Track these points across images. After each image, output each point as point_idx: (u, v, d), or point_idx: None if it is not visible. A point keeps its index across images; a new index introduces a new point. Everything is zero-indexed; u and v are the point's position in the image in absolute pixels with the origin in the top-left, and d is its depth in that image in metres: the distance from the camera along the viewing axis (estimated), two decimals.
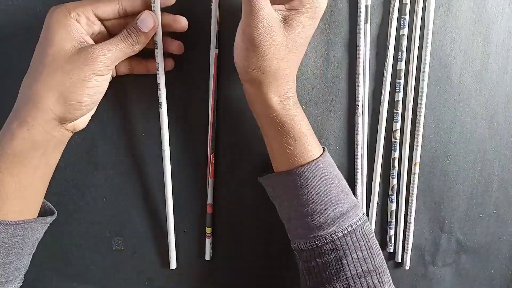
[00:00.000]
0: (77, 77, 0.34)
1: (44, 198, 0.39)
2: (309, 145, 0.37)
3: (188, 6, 0.42)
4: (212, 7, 0.42)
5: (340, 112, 0.46)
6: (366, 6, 0.43)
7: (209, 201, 0.46)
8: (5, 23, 0.41)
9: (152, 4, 0.37)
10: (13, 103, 0.36)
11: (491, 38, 0.46)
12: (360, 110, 0.45)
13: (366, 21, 0.44)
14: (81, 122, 0.38)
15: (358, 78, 0.45)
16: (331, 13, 0.44)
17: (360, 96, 0.45)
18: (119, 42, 0.35)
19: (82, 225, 0.46)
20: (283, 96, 0.36)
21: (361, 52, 0.44)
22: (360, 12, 0.43)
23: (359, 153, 0.47)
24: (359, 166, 0.47)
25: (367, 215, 0.48)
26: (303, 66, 0.45)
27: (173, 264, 0.47)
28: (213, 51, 0.43)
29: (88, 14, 0.35)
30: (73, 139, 0.42)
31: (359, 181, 0.47)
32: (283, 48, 0.35)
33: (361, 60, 0.44)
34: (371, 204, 0.48)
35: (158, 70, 0.40)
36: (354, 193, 0.48)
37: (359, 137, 0.46)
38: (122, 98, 0.44)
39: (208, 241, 0.47)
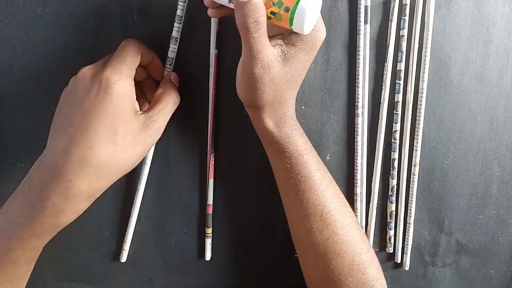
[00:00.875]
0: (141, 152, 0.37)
1: None
2: (305, 163, 0.39)
3: (188, 6, 0.42)
4: None
5: (340, 113, 0.46)
6: (366, 7, 0.43)
7: (209, 201, 0.46)
8: (5, 23, 0.41)
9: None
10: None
11: (491, 39, 0.46)
12: (359, 111, 0.45)
13: (366, 22, 0.44)
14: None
15: (358, 79, 0.45)
16: (331, 14, 0.44)
17: (360, 97, 0.45)
18: (171, 105, 0.39)
19: (82, 225, 0.46)
20: (279, 120, 0.38)
21: (361, 53, 0.44)
22: (360, 13, 0.43)
23: (359, 154, 0.47)
24: (358, 167, 0.47)
25: (367, 216, 0.48)
26: None
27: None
28: (213, 51, 0.43)
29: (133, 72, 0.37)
30: None
31: (358, 181, 0.47)
32: (281, 81, 0.36)
33: (361, 61, 0.44)
34: (370, 205, 0.48)
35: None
36: (354, 193, 0.48)
37: (359, 138, 0.46)
38: None
39: (208, 241, 0.47)
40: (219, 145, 0.46)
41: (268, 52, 0.34)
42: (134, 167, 0.37)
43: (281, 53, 0.35)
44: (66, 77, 0.42)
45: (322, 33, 0.36)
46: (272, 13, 0.33)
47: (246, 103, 0.39)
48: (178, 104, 0.40)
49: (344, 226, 0.39)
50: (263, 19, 0.32)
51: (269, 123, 0.38)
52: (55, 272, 0.47)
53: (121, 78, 0.34)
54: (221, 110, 0.45)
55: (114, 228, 0.47)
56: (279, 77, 0.35)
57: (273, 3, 0.32)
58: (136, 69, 0.37)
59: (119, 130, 0.34)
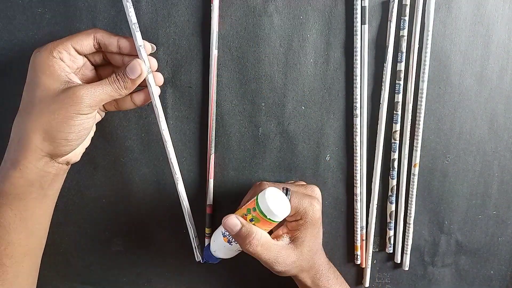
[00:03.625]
0: (62, 116, 0.35)
1: None
2: None
3: (188, 7, 0.42)
4: (212, 8, 0.42)
5: (340, 113, 0.46)
6: (363, 8, 0.43)
7: (209, 202, 0.46)
8: (5, 24, 0.41)
9: (138, 48, 0.38)
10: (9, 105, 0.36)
11: (491, 39, 0.46)
12: (358, 112, 0.45)
13: (363, 23, 0.43)
14: (74, 156, 0.39)
15: (356, 79, 0.45)
16: (331, 15, 0.44)
17: (358, 97, 0.45)
18: (106, 85, 0.37)
19: (81, 226, 0.46)
20: (314, 276, 0.43)
21: (358, 53, 0.44)
22: (356, 13, 0.43)
23: (359, 154, 0.47)
24: (358, 167, 0.47)
25: (367, 216, 0.48)
26: (302, 67, 0.45)
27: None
28: (214, 52, 0.43)
29: (69, 50, 0.37)
30: None
31: (358, 182, 0.47)
32: (301, 261, 0.40)
33: (359, 61, 0.44)
34: (370, 205, 0.48)
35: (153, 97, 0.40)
36: (354, 193, 0.48)
37: (358, 138, 0.46)
38: None
39: (207, 241, 0.47)
40: (219, 146, 0.46)
41: (272, 254, 0.39)
42: (66, 131, 0.36)
43: (290, 240, 0.41)
44: None
45: (309, 210, 0.39)
46: (251, 220, 0.38)
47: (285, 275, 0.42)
48: (121, 91, 0.38)
49: None
50: (254, 236, 0.38)
51: (307, 281, 0.43)
52: (55, 272, 0.47)
53: (41, 50, 0.36)
54: (221, 111, 0.45)
55: (114, 229, 0.47)
56: (297, 259, 0.40)
57: (245, 214, 0.38)
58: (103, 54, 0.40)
59: (36, 93, 0.35)
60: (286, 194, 0.38)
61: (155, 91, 0.40)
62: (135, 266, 0.48)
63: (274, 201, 0.37)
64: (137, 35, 0.38)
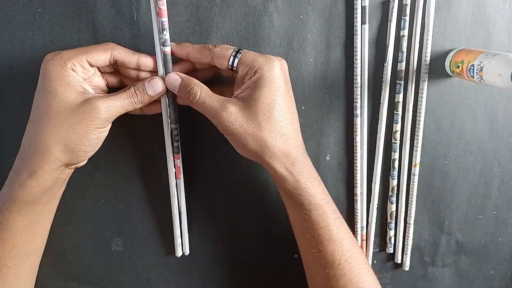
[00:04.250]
0: (81, 130, 0.35)
1: None
2: (324, 214, 0.39)
3: (188, 7, 0.42)
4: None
5: (340, 113, 0.46)
6: (363, 7, 0.43)
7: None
8: (5, 24, 0.41)
9: (159, 66, 0.39)
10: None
11: (491, 39, 0.45)
12: (358, 111, 0.45)
13: (364, 22, 0.43)
14: (84, 160, 0.40)
15: (356, 79, 0.45)
16: (331, 14, 0.44)
17: (359, 97, 0.45)
18: (124, 99, 0.37)
19: (81, 226, 0.46)
20: (291, 166, 0.38)
21: (359, 53, 0.44)
22: (356, 13, 0.43)
23: (359, 154, 0.46)
24: (358, 167, 0.47)
25: (367, 216, 0.48)
26: (302, 67, 0.45)
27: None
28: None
29: (83, 64, 0.37)
30: None
31: (358, 182, 0.47)
32: (255, 125, 0.36)
33: (359, 61, 0.44)
34: (371, 205, 0.48)
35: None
36: (354, 193, 0.48)
37: (358, 138, 0.46)
38: None
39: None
40: (218, 145, 0.46)
41: (217, 104, 0.36)
42: (85, 144, 0.36)
43: (241, 98, 0.37)
44: None
45: (265, 66, 0.36)
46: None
47: (249, 158, 0.39)
48: (136, 105, 0.38)
49: (359, 273, 0.39)
50: (194, 87, 0.37)
51: (281, 170, 0.38)
52: (55, 272, 0.47)
53: (55, 59, 0.36)
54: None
55: (114, 228, 0.47)
56: (249, 121, 0.36)
57: None
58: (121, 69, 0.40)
59: (53, 104, 0.35)
60: (237, 53, 0.37)
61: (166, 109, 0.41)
62: (135, 266, 0.48)
63: None
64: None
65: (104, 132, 0.38)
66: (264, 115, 0.36)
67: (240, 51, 0.37)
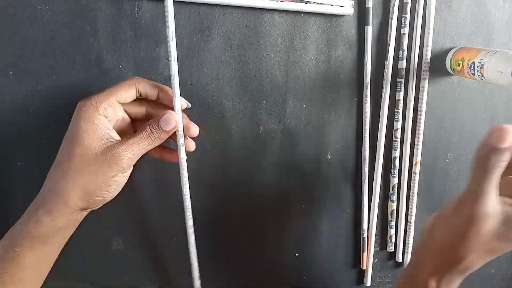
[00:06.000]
0: (102, 178, 0.36)
1: None
2: None
3: (189, 5, 0.42)
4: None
5: (341, 111, 0.46)
6: (367, 9, 0.43)
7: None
8: (5, 21, 0.41)
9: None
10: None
11: (492, 37, 0.46)
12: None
13: (367, 24, 0.43)
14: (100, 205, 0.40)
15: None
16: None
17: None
18: (142, 140, 0.37)
19: (81, 225, 0.46)
20: (448, 283, 0.36)
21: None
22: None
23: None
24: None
25: (368, 214, 0.48)
26: (304, 65, 0.45)
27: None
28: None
29: (113, 105, 0.37)
30: None
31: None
32: (485, 243, 0.33)
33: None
34: (372, 204, 0.48)
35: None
36: (355, 192, 0.48)
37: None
38: None
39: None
40: (220, 143, 0.46)
41: (494, 200, 0.32)
42: (104, 190, 0.37)
43: (503, 213, 0.32)
44: (67, 75, 0.42)
45: None
46: None
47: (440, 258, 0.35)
48: (156, 143, 0.38)
49: None
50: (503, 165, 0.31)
51: (432, 284, 0.35)
52: (55, 272, 0.47)
53: (86, 104, 0.36)
54: (222, 108, 0.45)
55: (114, 228, 0.47)
56: (488, 236, 0.32)
57: None
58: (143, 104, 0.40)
59: (76, 150, 0.36)
60: None
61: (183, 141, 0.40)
62: (135, 265, 0.48)
63: None
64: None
65: (124, 177, 0.38)
66: (496, 249, 0.33)
67: None
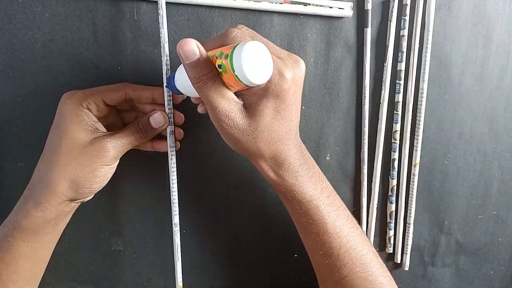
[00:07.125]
0: (89, 168, 0.37)
1: None
2: (315, 209, 0.38)
3: (189, 6, 0.42)
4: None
5: (340, 113, 0.46)
6: (366, 11, 0.43)
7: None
8: (4, 23, 0.41)
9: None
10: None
11: (491, 39, 0.46)
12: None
13: (366, 26, 0.43)
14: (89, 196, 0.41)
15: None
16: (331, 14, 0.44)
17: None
18: (130, 135, 0.38)
19: (81, 225, 0.46)
20: (279, 169, 0.37)
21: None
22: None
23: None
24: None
25: (367, 216, 0.48)
26: None
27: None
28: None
29: (98, 102, 0.38)
30: None
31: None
32: (256, 140, 0.35)
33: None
34: (371, 205, 0.48)
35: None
36: (354, 193, 0.48)
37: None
38: None
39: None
40: (218, 146, 0.46)
41: (226, 105, 0.33)
42: (91, 181, 0.37)
43: (246, 104, 0.34)
44: (66, 76, 0.42)
45: (275, 77, 0.33)
46: (219, 66, 0.31)
47: (239, 152, 0.37)
48: (143, 139, 0.39)
49: (363, 263, 0.39)
50: (210, 75, 0.32)
51: (269, 173, 0.37)
52: (55, 272, 0.47)
53: (72, 98, 0.37)
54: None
55: (114, 228, 0.47)
56: (247, 129, 0.34)
57: (216, 56, 0.31)
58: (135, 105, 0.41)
59: (63, 141, 0.36)
60: None
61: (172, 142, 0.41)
62: (135, 266, 0.48)
63: (253, 61, 0.30)
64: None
65: (111, 169, 0.38)
66: (263, 127, 0.34)
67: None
